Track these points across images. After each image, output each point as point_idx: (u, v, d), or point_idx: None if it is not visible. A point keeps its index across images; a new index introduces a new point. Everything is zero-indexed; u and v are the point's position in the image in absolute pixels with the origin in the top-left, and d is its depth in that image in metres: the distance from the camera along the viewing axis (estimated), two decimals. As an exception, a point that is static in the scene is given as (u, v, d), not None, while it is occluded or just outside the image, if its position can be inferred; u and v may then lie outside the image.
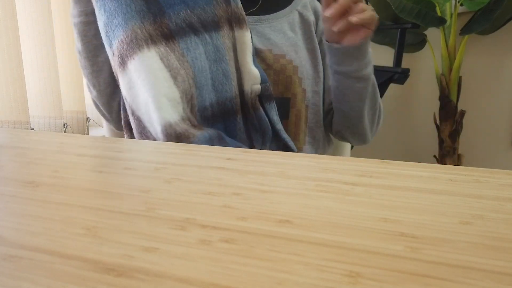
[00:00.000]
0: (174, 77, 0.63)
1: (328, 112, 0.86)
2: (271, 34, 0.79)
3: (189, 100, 0.65)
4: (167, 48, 0.64)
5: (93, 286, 0.17)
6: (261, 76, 0.71)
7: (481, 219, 0.25)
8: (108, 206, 0.27)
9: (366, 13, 0.67)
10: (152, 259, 0.20)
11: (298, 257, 0.20)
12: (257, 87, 0.70)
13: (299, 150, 0.80)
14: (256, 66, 0.71)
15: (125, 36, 0.64)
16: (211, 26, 0.67)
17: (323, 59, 0.83)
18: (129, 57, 0.64)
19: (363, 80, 0.75)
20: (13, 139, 0.50)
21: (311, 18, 0.84)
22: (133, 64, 0.64)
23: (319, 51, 0.82)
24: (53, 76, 1.09)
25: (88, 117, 1.26)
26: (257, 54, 0.78)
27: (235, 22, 0.69)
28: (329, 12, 0.67)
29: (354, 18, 0.66)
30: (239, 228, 0.23)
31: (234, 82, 0.69)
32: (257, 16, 0.81)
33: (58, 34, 1.15)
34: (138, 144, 0.47)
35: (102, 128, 1.29)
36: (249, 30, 0.71)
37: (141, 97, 0.64)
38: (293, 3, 0.85)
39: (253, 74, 0.70)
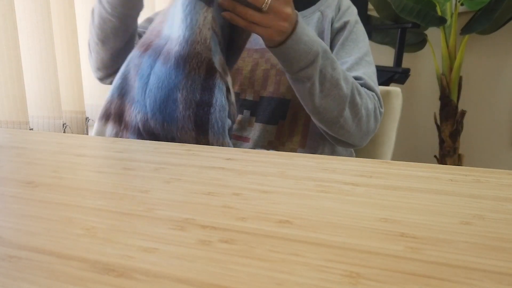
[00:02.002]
0: None
1: None
2: None
3: None
4: (121, 133, 0.63)
5: (92, 287, 0.17)
6: None
7: (482, 219, 0.25)
8: (107, 206, 0.27)
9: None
10: (152, 259, 0.20)
11: (298, 257, 0.20)
12: None
13: (293, 151, 0.79)
14: None
15: None
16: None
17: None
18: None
19: (300, 82, 0.68)
20: (12, 139, 0.50)
21: (331, 14, 0.81)
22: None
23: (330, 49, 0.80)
24: (52, 76, 1.09)
25: (87, 117, 1.26)
26: (263, 54, 0.78)
27: None
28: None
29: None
30: (238, 229, 0.23)
31: None
32: None
33: (57, 33, 1.15)
34: (138, 144, 0.47)
35: (102, 128, 1.29)
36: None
37: None
38: (317, 4, 0.83)
39: None
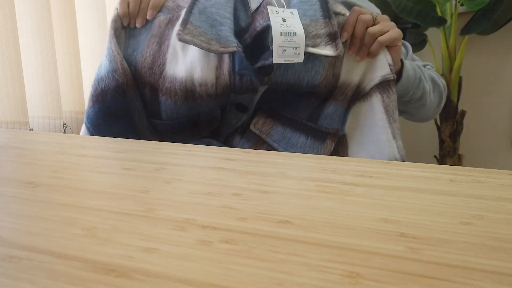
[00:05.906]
0: None
1: None
2: None
3: None
4: None
5: (92, 287, 0.17)
6: None
7: (482, 220, 0.25)
8: (107, 207, 0.27)
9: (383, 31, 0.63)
10: (152, 259, 0.20)
11: (298, 257, 0.20)
12: None
13: None
14: None
15: None
16: None
17: None
18: None
19: (418, 99, 0.74)
20: (12, 140, 0.50)
21: None
22: None
23: None
24: (52, 76, 1.09)
25: (88, 117, 1.26)
26: None
27: None
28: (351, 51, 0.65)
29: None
30: (239, 229, 0.23)
31: None
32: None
33: (58, 34, 1.15)
34: (138, 144, 0.47)
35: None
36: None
37: None
38: None
39: None
